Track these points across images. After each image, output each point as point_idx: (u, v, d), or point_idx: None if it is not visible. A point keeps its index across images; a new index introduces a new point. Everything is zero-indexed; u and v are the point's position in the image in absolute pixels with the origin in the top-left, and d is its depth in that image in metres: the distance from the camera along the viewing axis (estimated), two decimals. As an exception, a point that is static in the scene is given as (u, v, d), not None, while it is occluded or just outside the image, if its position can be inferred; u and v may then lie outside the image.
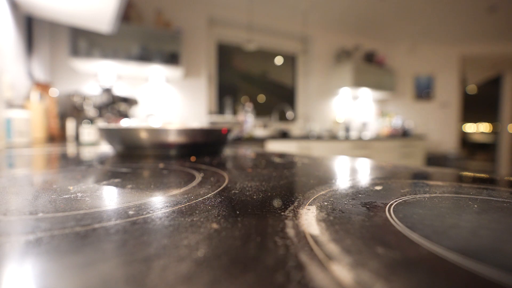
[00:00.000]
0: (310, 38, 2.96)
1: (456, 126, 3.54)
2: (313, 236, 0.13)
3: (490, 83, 4.25)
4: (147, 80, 2.22)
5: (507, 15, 2.75)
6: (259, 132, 2.41)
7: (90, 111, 1.58)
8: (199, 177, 0.28)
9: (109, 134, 0.50)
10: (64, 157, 0.48)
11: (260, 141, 2.17)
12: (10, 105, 0.92)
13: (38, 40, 1.56)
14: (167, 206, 0.17)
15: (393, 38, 3.34)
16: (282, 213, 0.16)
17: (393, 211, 0.16)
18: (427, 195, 0.20)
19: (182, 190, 0.22)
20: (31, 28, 1.37)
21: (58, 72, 1.94)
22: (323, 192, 0.21)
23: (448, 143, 3.50)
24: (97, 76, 2.01)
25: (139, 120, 2.06)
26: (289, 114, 2.74)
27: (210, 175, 0.29)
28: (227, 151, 0.60)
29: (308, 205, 0.18)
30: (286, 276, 0.09)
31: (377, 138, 2.78)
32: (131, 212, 0.16)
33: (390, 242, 0.12)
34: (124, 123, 1.30)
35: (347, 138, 2.59)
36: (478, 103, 4.83)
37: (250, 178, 0.28)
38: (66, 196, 0.19)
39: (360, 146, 2.64)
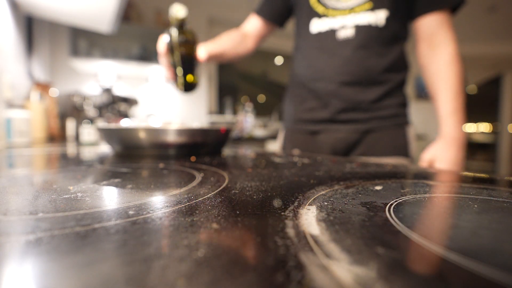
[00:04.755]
0: (310, 38, 2.96)
1: (456, 126, 3.53)
2: (313, 236, 0.13)
3: (490, 83, 4.25)
4: (147, 80, 2.22)
5: (507, 15, 2.75)
6: (259, 132, 2.41)
7: (90, 111, 1.58)
8: (199, 177, 0.28)
9: (109, 134, 0.50)
10: (64, 157, 0.48)
11: (260, 141, 2.16)
12: (10, 105, 0.92)
13: (38, 40, 1.56)
14: (167, 206, 0.17)
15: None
16: (282, 213, 0.16)
17: (393, 211, 0.16)
18: (427, 195, 0.20)
19: (182, 190, 0.22)
20: (31, 28, 1.37)
21: (58, 72, 1.94)
22: (323, 192, 0.21)
23: (448, 143, 3.49)
24: (97, 76, 2.01)
25: (139, 120, 2.06)
26: (289, 114, 2.73)
27: (210, 175, 0.29)
28: (227, 151, 0.60)
29: (308, 205, 0.18)
30: (286, 276, 0.09)
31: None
32: (131, 212, 0.16)
33: (390, 242, 0.12)
34: (124, 123, 1.29)
35: (347, 138, 2.58)
36: (478, 103, 4.83)
37: (250, 178, 0.28)
38: (66, 196, 0.19)
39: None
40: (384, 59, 0.64)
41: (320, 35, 0.68)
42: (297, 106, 0.74)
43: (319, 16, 0.68)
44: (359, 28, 0.63)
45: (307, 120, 0.72)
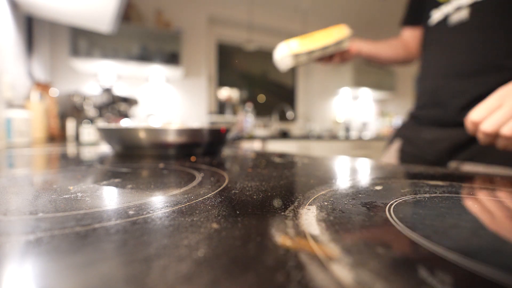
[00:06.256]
0: (310, 38, 2.96)
1: (456, 126, 3.53)
2: (313, 236, 0.13)
3: (490, 83, 4.23)
4: (147, 80, 2.22)
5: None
6: (259, 132, 2.41)
7: (90, 111, 1.58)
8: (199, 177, 0.28)
9: (109, 134, 0.50)
10: (64, 157, 0.48)
11: (260, 141, 2.16)
12: (10, 105, 0.92)
13: (38, 40, 1.56)
14: (167, 206, 0.17)
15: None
16: (282, 213, 0.16)
17: (393, 211, 0.16)
18: (427, 195, 0.20)
19: (182, 190, 0.22)
20: (31, 28, 1.37)
21: (58, 72, 1.94)
22: (323, 192, 0.21)
23: (448, 143, 3.49)
24: (97, 76, 2.02)
25: (139, 120, 2.06)
26: (289, 114, 2.74)
27: (210, 175, 0.29)
28: (227, 151, 0.60)
29: (308, 205, 0.18)
30: (286, 276, 0.09)
31: (377, 138, 2.78)
32: (131, 212, 0.16)
33: (390, 242, 0.12)
34: (124, 123, 1.30)
35: (347, 138, 2.59)
36: (478, 103, 4.81)
37: (250, 178, 0.28)
38: (66, 196, 0.19)
39: (360, 146, 2.64)
40: (507, 38, 0.50)
41: (433, 28, 0.59)
42: (415, 113, 0.65)
43: (438, 5, 0.58)
44: (475, 6, 0.52)
45: (425, 127, 0.61)
